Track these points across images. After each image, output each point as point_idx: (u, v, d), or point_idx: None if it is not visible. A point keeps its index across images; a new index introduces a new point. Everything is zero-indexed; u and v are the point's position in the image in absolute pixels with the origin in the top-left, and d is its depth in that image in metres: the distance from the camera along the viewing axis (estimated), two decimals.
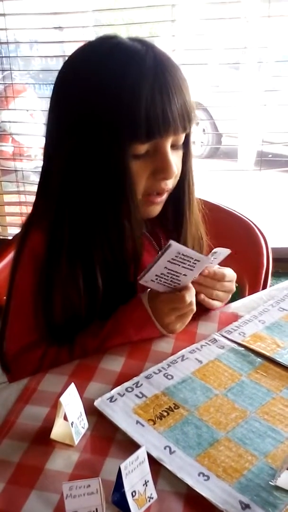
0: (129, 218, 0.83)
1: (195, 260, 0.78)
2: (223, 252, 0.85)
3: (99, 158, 0.80)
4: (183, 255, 0.76)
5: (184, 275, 0.80)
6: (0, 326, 0.92)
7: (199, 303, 0.89)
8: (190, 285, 0.83)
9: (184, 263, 0.78)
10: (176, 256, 0.76)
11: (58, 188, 0.84)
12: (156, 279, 0.80)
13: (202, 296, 0.91)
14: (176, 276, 0.80)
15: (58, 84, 0.86)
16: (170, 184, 0.87)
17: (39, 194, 0.93)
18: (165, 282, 0.81)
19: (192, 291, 0.83)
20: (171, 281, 0.81)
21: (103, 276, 0.85)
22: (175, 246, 0.75)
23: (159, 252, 0.76)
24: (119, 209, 0.83)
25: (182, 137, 0.84)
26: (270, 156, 2.97)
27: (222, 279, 0.91)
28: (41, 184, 0.92)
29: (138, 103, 0.76)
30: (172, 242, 0.74)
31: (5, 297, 0.92)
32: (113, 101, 0.77)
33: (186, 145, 0.87)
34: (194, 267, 0.79)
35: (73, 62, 0.84)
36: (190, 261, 0.78)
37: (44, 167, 0.91)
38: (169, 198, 0.90)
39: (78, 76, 0.82)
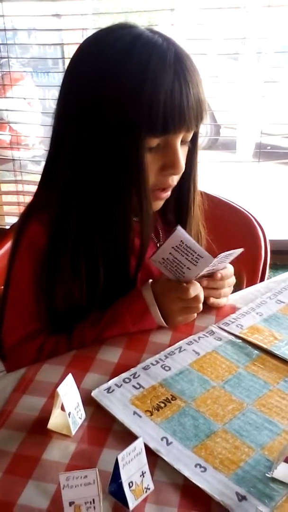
0: (141, 213, 0.83)
1: (198, 255, 0.79)
2: (235, 252, 0.86)
3: (113, 149, 0.79)
4: (186, 245, 0.77)
5: (187, 268, 0.81)
6: None
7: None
8: (195, 281, 0.84)
9: (188, 255, 0.79)
10: (180, 245, 0.77)
11: (66, 178, 0.83)
12: (163, 263, 0.81)
13: (212, 300, 0.92)
14: (180, 266, 0.81)
15: (71, 71, 0.84)
16: (175, 180, 0.87)
17: (42, 183, 0.92)
18: (171, 269, 0.82)
19: (197, 286, 0.83)
20: (176, 270, 0.82)
21: (105, 267, 0.85)
22: (179, 232, 0.76)
23: (166, 239, 0.78)
24: (128, 203, 0.83)
25: (191, 133, 0.84)
26: (268, 147, 2.96)
27: (228, 278, 0.92)
28: (45, 174, 0.91)
29: (157, 98, 0.75)
30: (179, 227, 0.76)
31: (2, 287, 0.92)
32: (133, 94, 0.75)
33: (193, 142, 0.87)
34: (197, 262, 0.80)
35: (90, 49, 0.82)
36: (193, 255, 0.79)
37: (50, 156, 0.90)
38: (172, 193, 0.90)
39: (95, 65, 0.79)
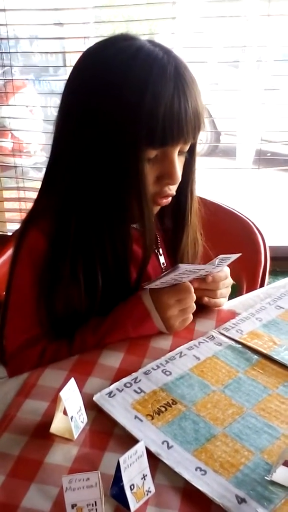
0: (142, 221, 0.85)
1: (201, 269, 0.81)
2: (233, 256, 0.88)
3: (112, 160, 0.81)
4: (191, 269, 0.80)
5: (186, 277, 0.84)
6: (0, 321, 0.93)
7: (198, 303, 0.90)
8: (185, 282, 0.86)
9: (189, 276, 0.81)
10: (183, 272, 0.79)
11: (65, 186, 0.85)
12: (160, 284, 0.84)
13: (206, 298, 0.93)
14: (179, 280, 0.84)
15: (73, 80, 0.85)
16: (173, 189, 0.88)
17: (42, 191, 0.93)
18: (168, 284, 0.85)
19: (187, 285, 0.86)
20: (173, 282, 0.84)
21: (104, 274, 0.86)
22: (182, 267, 0.78)
23: (166, 271, 0.80)
24: (127, 211, 0.85)
25: (188, 144, 0.86)
26: (268, 154, 2.97)
27: (222, 279, 0.93)
28: (45, 181, 0.92)
29: (157, 111, 0.77)
30: (180, 265, 0.78)
31: (4, 293, 0.93)
32: (133, 106, 0.77)
33: (191, 151, 0.89)
34: (200, 273, 0.82)
35: (92, 60, 0.83)
36: (196, 273, 0.81)
37: (50, 164, 0.91)
38: (169, 205, 0.91)
39: (97, 76, 0.81)
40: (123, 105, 0.77)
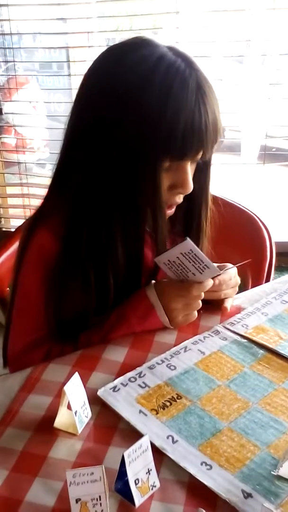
0: (155, 231, 0.84)
1: (205, 265, 0.79)
2: (242, 264, 0.88)
3: (128, 169, 0.79)
4: (195, 254, 0.78)
5: (192, 273, 0.82)
6: (5, 321, 0.92)
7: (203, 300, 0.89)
8: (205, 282, 0.84)
9: (195, 263, 0.80)
10: (188, 253, 0.78)
11: (78, 187, 0.83)
12: (168, 264, 0.82)
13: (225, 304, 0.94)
14: (185, 270, 0.82)
15: (89, 85, 0.83)
16: (182, 198, 0.87)
17: (51, 190, 0.91)
18: (175, 271, 0.83)
19: (202, 287, 0.84)
20: (180, 272, 0.83)
21: (115, 278, 0.85)
22: (189, 243, 0.77)
23: (173, 245, 0.79)
24: (140, 217, 0.84)
25: (205, 156, 0.84)
26: (273, 150, 2.95)
27: (227, 281, 0.93)
28: (54, 181, 0.90)
29: (177, 125, 0.76)
30: (188, 239, 0.77)
31: (8, 288, 0.92)
32: (154, 119, 0.75)
33: (207, 162, 0.88)
34: (203, 271, 0.81)
35: (111, 67, 0.80)
36: (200, 264, 0.80)
37: (60, 164, 0.88)
38: (181, 209, 0.91)
39: (116, 87, 0.78)
40: (143, 117, 0.76)
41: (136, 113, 0.76)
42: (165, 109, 0.75)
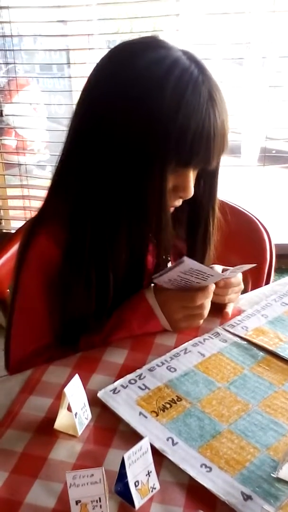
0: (159, 235, 0.83)
1: (208, 274, 0.79)
2: (246, 266, 0.88)
3: (134, 173, 0.78)
4: (196, 270, 0.78)
5: (197, 282, 0.82)
6: (5, 327, 0.91)
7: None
8: (210, 288, 0.84)
9: (198, 276, 0.80)
10: (189, 270, 0.78)
11: (78, 194, 0.82)
12: (169, 281, 0.82)
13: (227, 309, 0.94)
14: (189, 282, 0.82)
15: (95, 87, 0.80)
16: (181, 202, 0.87)
17: (50, 193, 0.88)
18: (178, 285, 0.83)
19: (207, 294, 0.84)
20: (183, 285, 0.83)
21: (115, 283, 0.85)
22: (188, 262, 0.76)
23: (173, 264, 0.78)
24: (145, 224, 0.83)
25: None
26: (274, 152, 2.96)
27: (233, 286, 0.93)
28: (54, 184, 0.88)
29: (187, 133, 0.74)
30: (185, 258, 0.75)
31: (8, 290, 0.92)
32: (164, 125, 0.74)
33: (214, 170, 0.87)
34: (207, 279, 0.81)
35: (120, 70, 0.78)
36: (203, 275, 0.79)
37: (60, 167, 0.86)
38: (187, 214, 0.91)
39: (126, 87, 0.76)
40: (153, 123, 0.74)
41: (147, 116, 0.74)
42: (177, 114, 0.74)
